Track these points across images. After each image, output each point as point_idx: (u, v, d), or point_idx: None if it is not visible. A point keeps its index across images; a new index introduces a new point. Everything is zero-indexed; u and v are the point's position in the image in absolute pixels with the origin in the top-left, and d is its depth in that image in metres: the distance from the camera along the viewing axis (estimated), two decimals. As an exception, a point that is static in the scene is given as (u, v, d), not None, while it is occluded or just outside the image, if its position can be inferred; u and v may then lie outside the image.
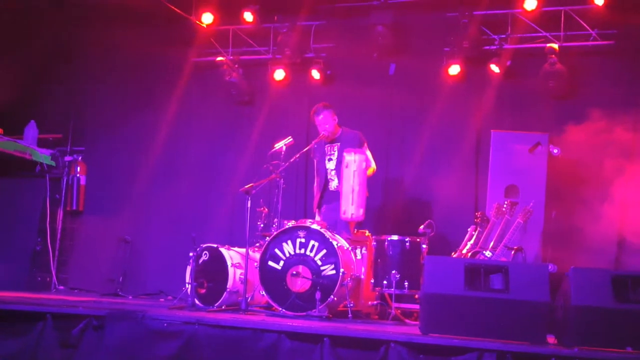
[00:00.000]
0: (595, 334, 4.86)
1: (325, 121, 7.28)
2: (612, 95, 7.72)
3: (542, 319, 4.96)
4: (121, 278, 8.81)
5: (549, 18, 8.00)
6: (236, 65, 8.89)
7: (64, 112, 9.45)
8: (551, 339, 5.14)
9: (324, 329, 5.14)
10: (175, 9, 8.62)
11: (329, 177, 7.34)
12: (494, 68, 8.12)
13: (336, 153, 7.31)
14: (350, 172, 6.89)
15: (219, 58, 8.88)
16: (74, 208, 9.22)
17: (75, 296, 7.89)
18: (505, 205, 7.10)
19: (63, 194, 9.24)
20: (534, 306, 4.95)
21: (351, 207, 6.89)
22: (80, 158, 9.28)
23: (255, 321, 5.37)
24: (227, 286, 6.74)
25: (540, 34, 8.07)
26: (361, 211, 6.94)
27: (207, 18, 8.76)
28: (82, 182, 9.25)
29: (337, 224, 7.05)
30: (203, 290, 6.83)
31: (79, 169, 9.23)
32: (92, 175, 9.29)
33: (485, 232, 7.14)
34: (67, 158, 9.26)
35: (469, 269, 5.13)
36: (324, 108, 7.29)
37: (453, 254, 7.21)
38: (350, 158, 6.92)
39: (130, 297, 8.32)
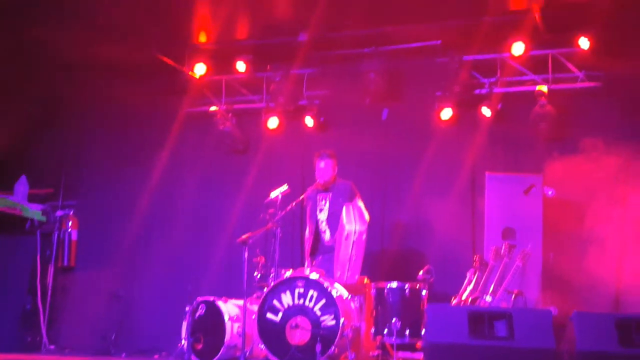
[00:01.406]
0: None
1: (326, 169, 7.26)
2: (602, 135, 7.75)
3: (549, 365, 4.89)
4: (114, 335, 8.60)
5: (537, 61, 8.10)
6: (229, 115, 8.90)
7: (55, 166, 9.39)
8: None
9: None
10: (168, 61, 8.65)
11: (320, 228, 7.29)
12: (485, 111, 8.18)
13: (327, 204, 7.28)
14: (349, 242, 6.87)
15: (212, 108, 8.90)
16: (65, 264, 9.09)
17: (67, 356, 7.71)
18: (503, 248, 7.06)
19: (54, 250, 9.11)
20: (540, 353, 4.89)
21: (347, 274, 6.88)
22: (71, 212, 9.18)
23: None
24: (225, 340, 6.63)
25: (529, 77, 8.16)
26: (356, 277, 6.94)
27: (199, 69, 8.79)
28: (74, 237, 9.13)
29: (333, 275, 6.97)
30: (200, 346, 6.70)
31: (70, 223, 9.12)
32: (84, 230, 9.18)
33: (484, 276, 7.08)
34: (59, 213, 9.16)
35: (472, 316, 5.07)
36: (329, 156, 7.29)
37: (453, 299, 7.13)
38: (351, 229, 6.89)
39: (123, 354, 8.13)
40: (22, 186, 8.87)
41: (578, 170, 7.48)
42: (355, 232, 6.88)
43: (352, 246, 6.86)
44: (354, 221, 6.93)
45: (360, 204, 7.19)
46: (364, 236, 6.97)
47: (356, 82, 8.47)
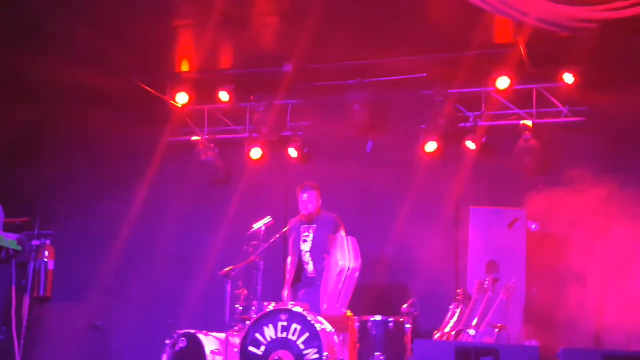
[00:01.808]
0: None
1: (310, 201, 7.21)
2: (586, 169, 7.78)
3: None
4: (92, 366, 8.45)
5: (522, 95, 8.20)
6: (212, 145, 8.85)
7: (32, 195, 9.19)
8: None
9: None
10: (150, 90, 8.60)
11: (304, 259, 7.22)
12: (470, 145, 8.21)
13: (311, 235, 7.22)
14: (342, 278, 6.81)
15: (194, 137, 8.82)
16: (42, 294, 8.80)
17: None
18: (487, 282, 7.04)
19: (30, 280, 8.85)
20: (528, 389, 4.83)
21: (335, 307, 6.80)
22: (48, 242, 8.94)
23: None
24: (206, 374, 6.47)
25: (514, 111, 8.22)
26: (343, 310, 6.86)
27: (182, 98, 8.74)
28: (50, 267, 8.85)
29: (318, 307, 6.88)
30: (180, 379, 6.54)
31: (47, 253, 8.85)
32: (61, 260, 8.90)
33: (467, 310, 7.04)
34: (35, 242, 8.91)
35: (459, 351, 4.99)
36: (312, 188, 7.24)
37: (436, 332, 7.08)
38: (345, 265, 6.82)
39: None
40: (-3, 215, 8.67)
41: (561, 204, 7.51)
42: (349, 269, 6.81)
43: (344, 282, 6.78)
44: (349, 258, 6.85)
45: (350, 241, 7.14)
46: (357, 274, 6.91)
47: (340, 114, 8.50)
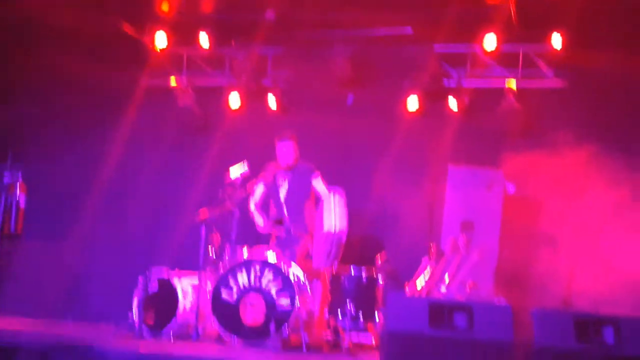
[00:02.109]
0: (558, 375, 4.82)
1: (287, 150, 7.15)
2: (567, 134, 7.79)
3: (506, 358, 4.88)
4: (61, 304, 8.36)
5: (507, 57, 8.11)
6: (190, 91, 8.66)
7: (4, 130, 9.01)
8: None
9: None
10: (128, 30, 8.37)
11: (279, 207, 7.17)
12: (452, 103, 8.16)
13: (286, 184, 7.19)
14: (330, 239, 6.57)
15: (172, 82, 8.64)
16: (12, 231, 8.75)
17: (12, 322, 7.43)
18: (460, 241, 7.08)
19: (0, 217, 8.76)
20: (498, 346, 4.88)
21: (326, 260, 6.60)
22: (20, 179, 8.84)
23: (209, 354, 5.13)
24: (177, 314, 6.47)
25: (499, 73, 8.17)
26: (335, 263, 6.76)
27: (160, 40, 8.44)
28: (22, 204, 8.80)
29: (292, 256, 6.86)
30: (151, 320, 6.53)
31: (18, 190, 8.79)
32: (33, 197, 8.86)
33: (439, 267, 7.10)
34: (6, 179, 8.81)
35: (433, 307, 5.03)
36: (289, 138, 7.17)
37: (406, 285, 7.14)
38: (331, 227, 6.60)
39: (70, 320, 7.87)
40: (-31, 150, 8.50)
41: (540, 167, 7.51)
42: (335, 232, 6.58)
43: (332, 243, 6.59)
44: (335, 220, 6.63)
45: (322, 186, 7.08)
46: (344, 236, 6.71)
47: (322, 65, 8.34)
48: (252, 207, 7.25)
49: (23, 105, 9.14)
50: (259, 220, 7.20)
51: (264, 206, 7.31)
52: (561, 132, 7.62)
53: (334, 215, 6.64)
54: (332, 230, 6.57)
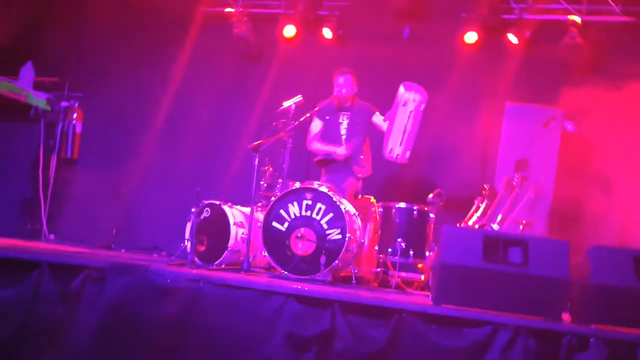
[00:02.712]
0: (613, 313, 4.72)
1: (345, 85, 7.03)
2: (632, 74, 7.52)
3: (561, 296, 4.81)
4: (115, 231, 8.54)
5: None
6: (245, 19, 8.58)
7: (63, 56, 9.07)
8: (565, 317, 5.00)
9: (335, 294, 4.95)
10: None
11: (340, 144, 7.06)
12: (512, 38, 7.92)
13: (345, 122, 7.08)
14: (407, 111, 6.49)
15: (228, 9, 8.57)
16: (69, 156, 8.90)
17: (68, 246, 7.64)
18: (515, 179, 6.95)
19: (57, 141, 8.90)
20: (553, 282, 4.80)
21: (399, 148, 6.53)
22: (77, 104, 8.94)
23: (262, 282, 5.18)
24: (229, 245, 6.53)
25: (562, 6, 7.85)
26: (408, 154, 6.65)
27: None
28: (78, 129, 8.92)
29: (342, 194, 6.82)
30: (202, 248, 6.61)
31: (75, 115, 8.90)
32: (89, 124, 8.97)
33: (493, 205, 6.99)
34: (64, 103, 8.91)
35: (487, 241, 4.94)
36: (349, 73, 7.05)
37: (459, 224, 7.07)
38: (410, 96, 6.51)
39: (123, 250, 8.07)
40: (28, 72, 8.60)
41: (600, 106, 7.29)
42: (414, 100, 6.46)
43: (410, 116, 6.45)
44: (414, 90, 6.51)
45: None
46: (423, 106, 6.58)
47: (379, -4, 8.19)
48: (314, 144, 7.15)
49: (81, 30, 9.15)
50: (328, 148, 7.05)
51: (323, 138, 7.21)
52: (625, 69, 7.36)
53: (413, 87, 6.49)
54: (410, 99, 6.45)
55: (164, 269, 5.25)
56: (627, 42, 7.70)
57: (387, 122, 6.72)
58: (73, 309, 4.98)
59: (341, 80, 7.04)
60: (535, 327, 4.61)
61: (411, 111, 6.53)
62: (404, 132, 6.53)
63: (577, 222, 7.27)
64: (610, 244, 7.27)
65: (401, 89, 6.62)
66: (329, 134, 7.13)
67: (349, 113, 7.09)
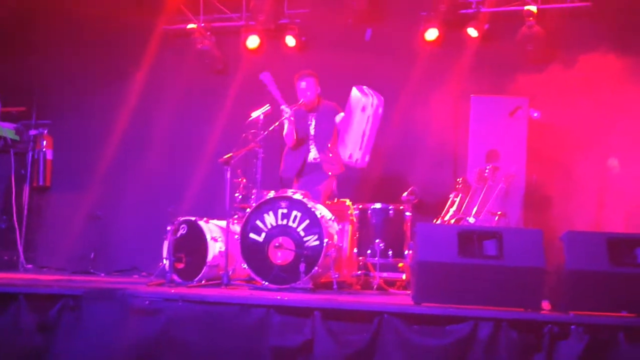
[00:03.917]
0: (591, 298, 4.76)
1: (308, 89, 7.06)
2: (590, 58, 7.61)
3: (538, 284, 4.85)
4: (92, 255, 8.50)
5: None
6: (208, 33, 8.61)
7: (28, 85, 9.02)
8: (545, 305, 5.05)
9: (314, 302, 4.97)
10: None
11: (309, 145, 7.10)
12: (472, 32, 8.00)
13: (313, 122, 7.10)
14: (365, 116, 6.53)
15: (190, 25, 8.57)
16: (41, 184, 8.86)
17: (45, 275, 7.59)
18: (487, 171, 7.03)
19: (29, 170, 8.86)
20: (529, 272, 4.84)
21: (358, 152, 6.58)
22: (46, 132, 8.89)
23: (241, 296, 5.18)
24: (207, 260, 6.51)
25: (518, -3, 7.97)
26: (367, 158, 6.69)
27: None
28: (49, 156, 8.88)
29: (317, 196, 6.85)
30: (181, 265, 6.57)
31: (44, 143, 8.85)
32: (59, 150, 8.92)
33: (467, 198, 7.06)
34: (32, 132, 8.87)
35: (462, 235, 4.98)
36: (309, 75, 7.07)
37: (435, 220, 7.12)
38: (367, 101, 6.55)
39: (102, 274, 8.04)
40: (-7, 104, 8.53)
41: (564, 92, 7.38)
42: (372, 105, 6.51)
43: (368, 120, 6.49)
44: (371, 94, 6.56)
45: None
46: (381, 110, 6.63)
47: (339, 1, 8.23)
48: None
49: (44, 57, 9.11)
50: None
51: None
52: (584, 55, 7.46)
53: (367, 91, 6.53)
54: (368, 104, 6.49)
55: (141, 291, 5.23)
56: (584, 27, 7.80)
57: (341, 125, 6.73)
58: (51, 339, 4.95)
59: (303, 84, 7.07)
60: (516, 318, 4.64)
61: (369, 116, 6.58)
62: (362, 137, 6.57)
63: (550, 209, 7.34)
64: (586, 227, 7.43)
65: (356, 93, 6.65)
66: (299, 136, 7.15)
67: (315, 114, 7.12)
